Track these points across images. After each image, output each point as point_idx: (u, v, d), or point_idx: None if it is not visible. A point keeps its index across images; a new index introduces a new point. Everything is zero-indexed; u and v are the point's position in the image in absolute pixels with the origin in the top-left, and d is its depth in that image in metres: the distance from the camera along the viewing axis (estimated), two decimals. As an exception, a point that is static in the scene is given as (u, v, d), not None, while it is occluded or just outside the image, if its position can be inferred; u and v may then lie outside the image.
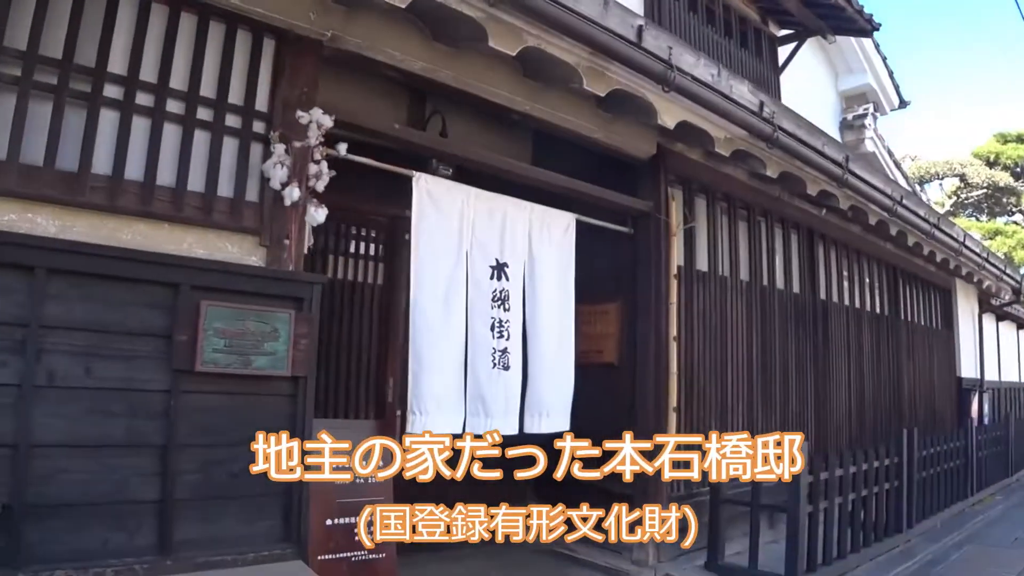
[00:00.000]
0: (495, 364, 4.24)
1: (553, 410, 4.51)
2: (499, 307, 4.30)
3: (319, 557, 3.61)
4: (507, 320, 4.32)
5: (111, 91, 3.05)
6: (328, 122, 3.36)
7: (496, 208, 4.35)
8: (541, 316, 4.50)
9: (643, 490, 4.82)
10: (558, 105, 4.51)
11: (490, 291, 4.27)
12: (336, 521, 3.70)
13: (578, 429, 5.40)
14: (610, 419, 5.05)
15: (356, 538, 3.72)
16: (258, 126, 3.38)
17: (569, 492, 5.06)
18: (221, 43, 3.34)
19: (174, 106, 3.20)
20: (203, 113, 3.27)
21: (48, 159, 2.89)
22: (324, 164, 3.36)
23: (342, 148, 3.53)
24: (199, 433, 3.03)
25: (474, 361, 4.16)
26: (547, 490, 5.28)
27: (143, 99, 3.13)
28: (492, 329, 4.25)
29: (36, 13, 2.90)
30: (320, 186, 3.42)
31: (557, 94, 4.42)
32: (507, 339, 4.31)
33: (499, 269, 4.32)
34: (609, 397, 5.29)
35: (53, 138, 2.91)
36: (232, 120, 3.33)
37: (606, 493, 4.79)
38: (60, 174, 2.91)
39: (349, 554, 3.72)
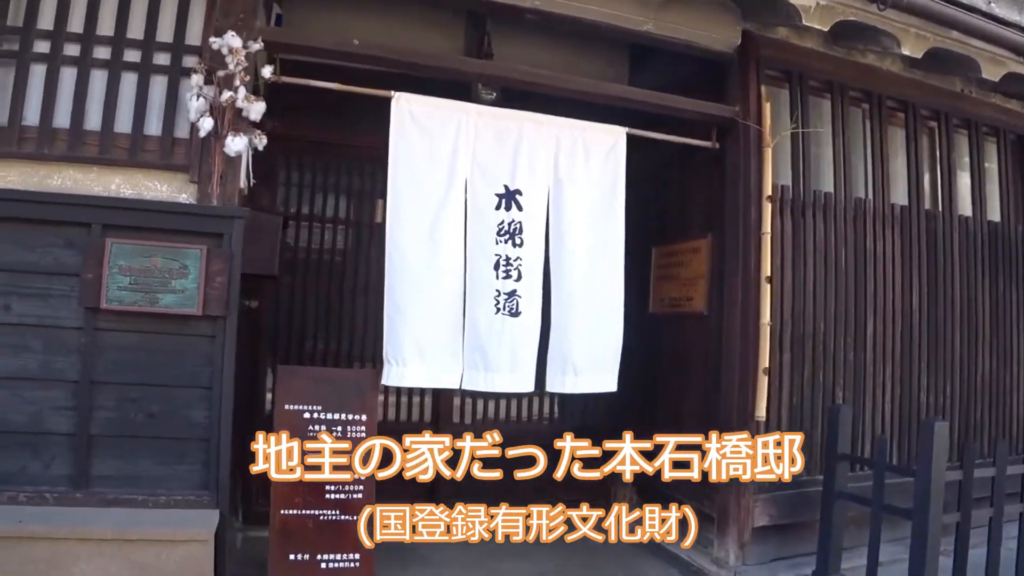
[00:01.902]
0: (499, 309, 3.98)
1: (588, 367, 4.09)
2: (507, 242, 4.01)
3: (281, 511, 3.73)
4: (517, 258, 4.02)
5: (40, 47, 3.46)
6: (239, 44, 3.42)
7: (508, 128, 4.06)
8: (572, 253, 4.10)
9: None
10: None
11: (496, 224, 4.00)
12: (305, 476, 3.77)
13: (658, 395, 4.95)
14: (699, 381, 4.50)
15: (326, 496, 3.79)
16: (190, 61, 3.55)
17: (657, 485, 4.65)
18: (149, -17, 3.57)
19: (101, 52, 3.51)
20: (131, 55, 3.54)
21: (-20, 115, 3.37)
22: (242, 91, 3.43)
23: (266, 71, 3.59)
24: (114, 371, 3.31)
25: (473, 305, 3.95)
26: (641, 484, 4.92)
27: (71, 50, 3.49)
28: (496, 268, 3.99)
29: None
30: (252, 114, 3.51)
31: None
32: (517, 279, 4.01)
33: (508, 197, 4.03)
34: (699, 353, 4.68)
35: (-15, 96, 3.38)
36: (161, 58, 3.57)
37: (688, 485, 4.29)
38: (-8, 128, 3.38)
39: (316, 512, 3.77)
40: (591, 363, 4.09)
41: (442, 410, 4.95)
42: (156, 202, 3.39)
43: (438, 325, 3.86)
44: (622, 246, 4.16)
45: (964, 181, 5.20)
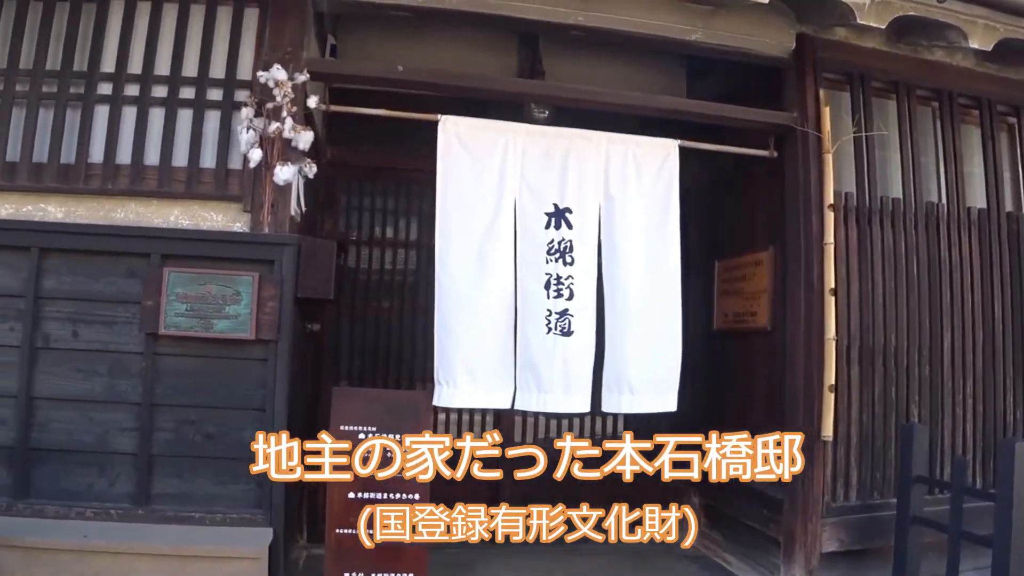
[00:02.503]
0: (551, 328, 3.97)
1: (644, 387, 4.03)
2: (557, 261, 4.01)
3: (336, 530, 3.80)
4: (568, 276, 4.01)
5: (103, 88, 3.71)
6: (284, 76, 3.56)
7: (556, 145, 4.07)
8: (625, 270, 4.06)
9: (793, 496, 4.05)
10: (626, 8, 4.05)
11: (545, 243, 4.01)
12: (360, 495, 3.85)
13: (724, 414, 4.82)
14: (764, 400, 4.39)
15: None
16: (241, 95, 3.72)
17: (725, 487, 4.54)
18: (202, 24, 3.78)
19: (159, 91, 3.73)
20: (186, 92, 3.75)
21: (52, 155, 3.63)
22: (289, 121, 3.57)
23: (312, 101, 3.71)
24: (172, 393, 3.48)
25: (524, 326, 3.96)
26: (707, 483, 4.80)
27: (131, 90, 3.72)
28: (547, 287, 3.99)
29: (40, 32, 3.69)
30: (300, 143, 3.64)
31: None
32: (568, 299, 4.00)
33: (558, 216, 4.04)
34: (763, 371, 4.55)
35: (56, 137, 3.65)
36: (215, 94, 3.76)
37: (757, 495, 4.20)
38: (63, 167, 3.63)
39: (372, 531, 3.82)
40: (648, 382, 4.02)
41: (503, 429, 4.94)
42: (210, 231, 3.56)
43: (489, 346, 3.88)
44: (678, 261, 4.09)
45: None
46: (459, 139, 3.94)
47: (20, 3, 3.71)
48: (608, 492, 5.05)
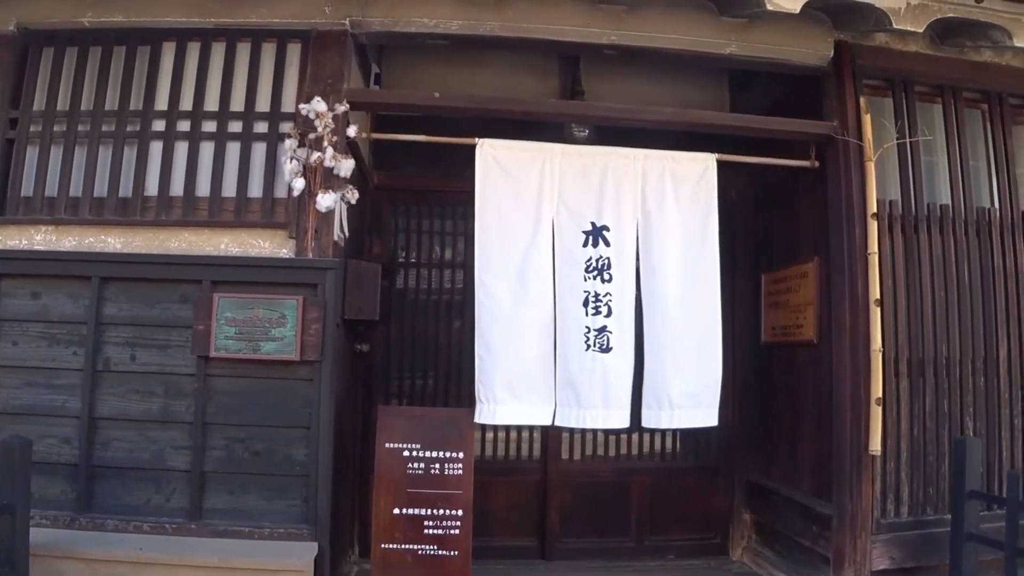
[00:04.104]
0: (589, 345, 3.99)
1: (685, 401, 4.00)
2: (595, 278, 4.03)
3: (382, 545, 3.88)
4: (607, 293, 4.02)
5: (157, 125, 3.91)
6: (324, 108, 3.69)
7: (592, 163, 4.10)
8: (664, 286, 4.05)
9: (841, 511, 3.97)
10: (658, 25, 4.07)
11: (583, 261, 4.03)
12: (404, 511, 3.93)
13: (773, 428, 4.74)
14: (812, 414, 4.32)
15: (425, 531, 3.92)
16: (286, 127, 3.87)
17: (775, 504, 4.49)
18: (247, 60, 3.96)
19: (208, 125, 3.91)
20: (234, 126, 3.92)
21: (111, 190, 3.85)
22: (329, 151, 3.70)
23: (351, 130, 3.83)
24: (223, 413, 3.63)
25: (564, 343, 3.98)
26: (758, 500, 4.75)
27: (182, 126, 3.91)
28: (586, 305, 4.01)
29: (100, 75, 3.94)
30: (341, 171, 3.77)
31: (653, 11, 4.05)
32: (606, 316, 4.01)
33: (596, 234, 4.06)
34: (811, 384, 4.46)
35: (114, 173, 3.87)
36: (260, 127, 3.92)
37: (806, 511, 4.14)
38: (121, 200, 3.84)
39: (415, 546, 3.90)
40: (688, 397, 3.99)
41: (550, 446, 4.97)
42: (256, 258, 3.70)
43: (528, 363, 3.92)
44: (717, 275, 4.06)
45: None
46: (496, 161, 4.01)
47: (80, 49, 3.94)
48: (657, 508, 5.07)
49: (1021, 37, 3.88)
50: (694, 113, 4.25)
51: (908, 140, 4.21)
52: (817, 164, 4.30)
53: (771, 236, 4.98)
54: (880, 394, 3.90)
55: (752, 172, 4.61)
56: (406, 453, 3.98)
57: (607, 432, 5.01)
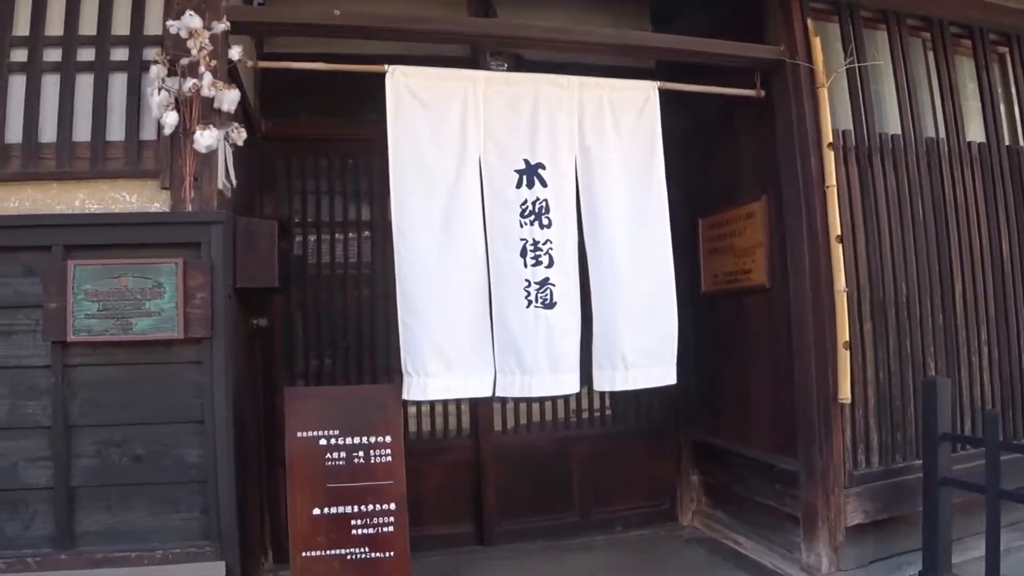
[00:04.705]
0: (531, 301, 3.41)
1: (640, 359, 3.50)
2: (532, 223, 3.44)
3: (303, 554, 3.20)
4: (547, 241, 3.44)
5: (-17, 53, 2.99)
6: (199, 24, 2.91)
7: (522, 92, 3.49)
8: (610, 229, 3.52)
9: (810, 467, 3.55)
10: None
11: (518, 204, 3.44)
12: (326, 511, 3.25)
13: (720, 383, 4.33)
14: (767, 364, 3.87)
15: (353, 531, 3.25)
16: (151, 53, 3.05)
17: (729, 463, 4.06)
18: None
19: (52, 54, 3.06)
20: (84, 54, 3.08)
21: (-77, 137, 2.92)
22: (208, 76, 2.91)
23: (235, 52, 3.06)
24: (90, 412, 2.84)
25: (501, 300, 3.39)
26: (707, 460, 4.32)
27: (18, 56, 3.04)
28: (524, 254, 3.42)
29: None
30: (224, 103, 2.99)
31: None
32: (548, 266, 3.43)
33: (530, 173, 3.46)
34: (764, 332, 4.04)
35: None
36: (119, 54, 3.09)
37: (766, 468, 3.69)
38: (-64, 150, 2.92)
39: (343, 551, 3.23)
40: (644, 354, 3.50)
41: (481, 418, 4.37)
42: (118, 214, 2.90)
43: (461, 326, 3.31)
44: (666, 215, 3.58)
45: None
46: (411, 92, 3.35)
47: None
48: (600, 479, 4.56)
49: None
50: (635, 35, 3.74)
51: (859, 65, 3.81)
52: (763, 93, 3.83)
53: (707, 178, 4.52)
54: (847, 338, 3.51)
55: (679, 109, 4.09)
56: (323, 442, 3.31)
57: (542, 400, 4.46)
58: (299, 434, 3.31)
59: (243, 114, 3.57)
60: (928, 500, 3.43)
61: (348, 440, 3.32)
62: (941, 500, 3.40)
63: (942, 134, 4.07)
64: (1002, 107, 4.35)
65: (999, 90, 4.34)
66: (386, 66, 3.34)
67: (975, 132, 4.22)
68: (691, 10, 4.36)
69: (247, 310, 3.75)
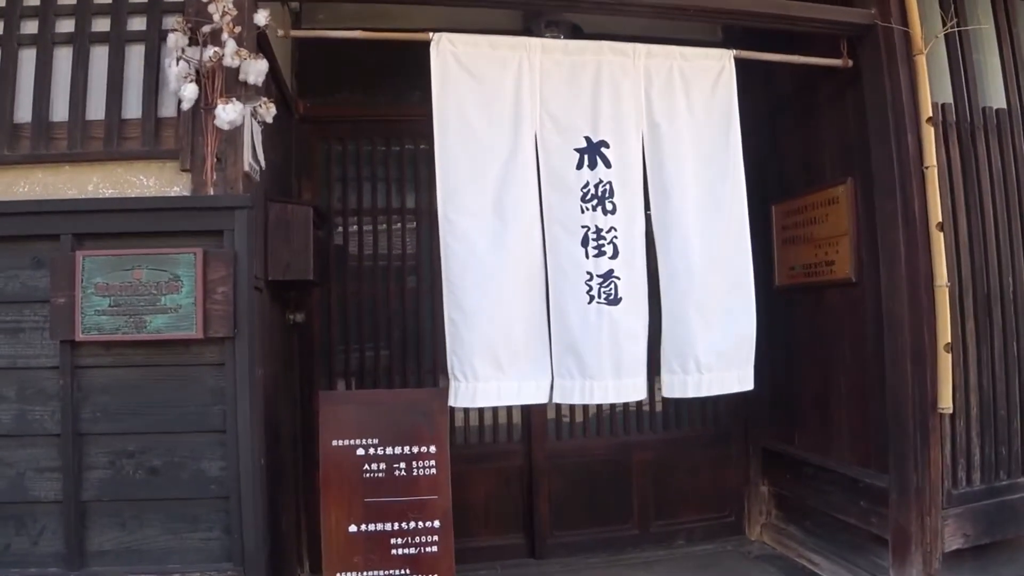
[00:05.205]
0: (593, 296, 2.98)
1: (714, 361, 3.05)
2: (595, 209, 3.01)
3: (337, 574, 2.82)
4: (611, 228, 3.01)
5: (-10, 25, 2.66)
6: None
7: (583, 62, 3.06)
8: (681, 216, 3.07)
9: (904, 484, 3.06)
10: None
11: (579, 187, 3.01)
12: (363, 527, 2.88)
13: (796, 387, 3.85)
14: (852, 366, 3.38)
15: (392, 551, 2.87)
16: (170, 22, 2.67)
17: (803, 475, 3.59)
18: (111, -69, 2.73)
19: (64, 26, 2.72)
20: (99, 24, 2.73)
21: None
22: (231, 44, 2.54)
23: (261, 17, 2.67)
24: (103, 419, 2.50)
25: (559, 295, 2.97)
26: (778, 470, 3.85)
27: (28, 28, 2.70)
28: (585, 244, 2.99)
29: None
30: (251, 75, 2.62)
31: None
32: (612, 256, 3.00)
33: (592, 152, 3.03)
34: (849, 331, 3.55)
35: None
36: (136, 23, 2.74)
37: (850, 483, 3.21)
38: (-60, 130, 2.60)
39: (382, 572, 2.86)
40: (720, 356, 3.06)
41: (534, 424, 3.95)
42: (129, 199, 2.55)
43: (515, 325, 2.90)
44: (744, 200, 3.13)
45: None
46: (459, 62, 2.94)
47: None
48: (661, 488, 4.11)
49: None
50: None
51: (961, 30, 3.27)
52: (850, 63, 3.32)
53: (783, 159, 4.04)
54: (948, 339, 3.00)
55: (750, 85, 3.60)
56: (361, 452, 2.94)
57: (599, 408, 4.03)
58: (334, 443, 2.96)
59: (277, 92, 3.22)
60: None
61: (388, 450, 2.97)
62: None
63: (1050, 108, 3.50)
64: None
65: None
66: (431, 34, 2.91)
67: (1090, 107, 3.63)
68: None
69: (282, 305, 3.39)
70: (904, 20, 3.20)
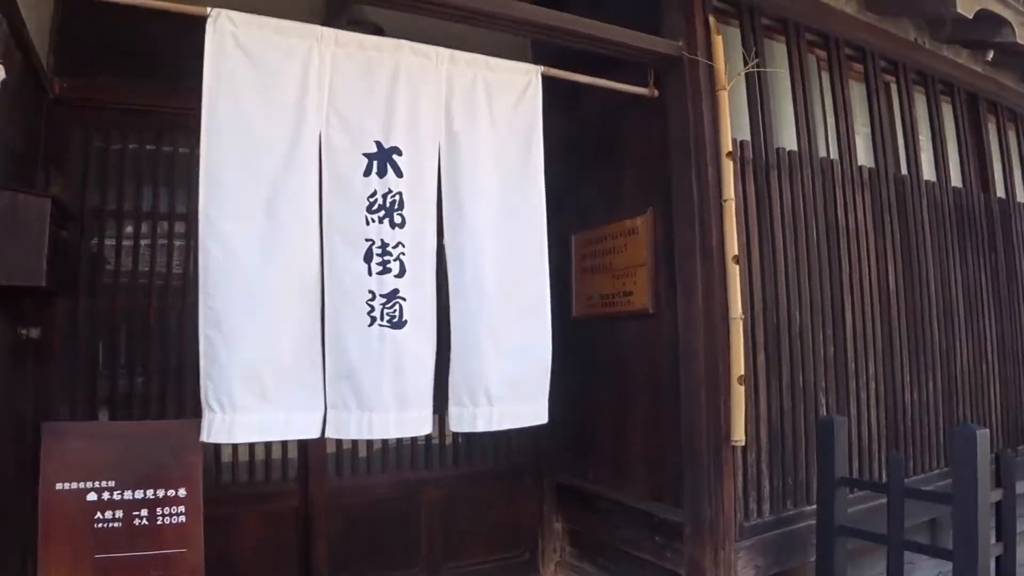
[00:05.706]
0: (375, 318, 2.61)
1: (507, 393, 2.78)
2: (382, 221, 2.66)
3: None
4: (398, 243, 2.66)
5: None
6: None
7: (379, 61, 2.72)
8: (477, 233, 2.80)
9: (698, 518, 2.91)
10: None
11: (365, 195, 2.65)
12: (89, 590, 2.29)
13: (592, 420, 3.69)
14: (648, 398, 3.22)
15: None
16: None
17: (598, 510, 3.38)
18: None
19: None
20: None
21: None
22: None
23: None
24: None
25: (337, 315, 2.57)
26: (572, 505, 3.63)
27: None
28: (369, 259, 2.62)
29: None
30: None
31: None
32: (399, 274, 2.65)
33: (382, 158, 2.68)
34: (645, 362, 3.42)
35: None
36: None
37: (645, 518, 3.01)
38: None
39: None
40: (513, 386, 2.80)
41: (312, 460, 3.49)
42: None
43: (283, 345, 2.48)
44: (543, 220, 2.91)
45: (925, 142, 4.22)
46: (238, 43, 2.51)
47: None
48: (452, 527, 3.79)
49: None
50: (523, 6, 2.96)
51: (761, 71, 3.32)
52: (656, 93, 3.24)
53: (586, 187, 3.91)
54: (742, 371, 2.94)
55: (559, 107, 3.44)
56: (92, 496, 2.42)
57: (384, 440, 3.65)
58: (59, 486, 2.42)
59: (23, 60, 2.61)
60: (823, 550, 3.00)
61: (128, 495, 2.46)
62: (838, 550, 2.97)
63: (834, 155, 3.67)
64: (888, 134, 3.99)
65: (885, 118, 3.95)
66: (208, 9, 2.45)
67: (866, 156, 3.83)
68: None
69: (12, 316, 2.74)
70: (709, 55, 3.18)
